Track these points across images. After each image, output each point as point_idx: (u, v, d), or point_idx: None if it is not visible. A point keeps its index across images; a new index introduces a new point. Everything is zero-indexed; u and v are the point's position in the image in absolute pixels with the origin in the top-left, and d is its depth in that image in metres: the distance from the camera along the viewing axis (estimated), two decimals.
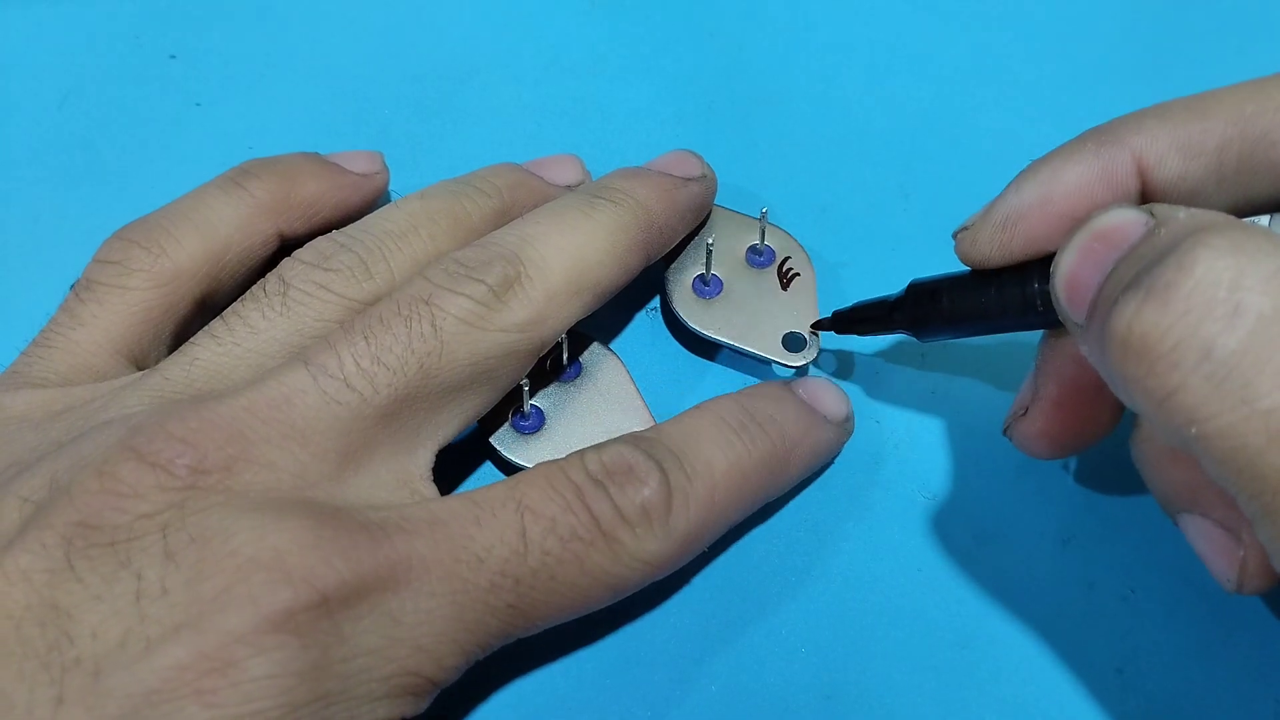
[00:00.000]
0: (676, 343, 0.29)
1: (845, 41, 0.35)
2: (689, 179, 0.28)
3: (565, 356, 0.27)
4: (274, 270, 0.25)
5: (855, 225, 0.31)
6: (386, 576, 0.20)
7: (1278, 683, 0.25)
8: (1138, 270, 0.18)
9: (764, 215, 0.29)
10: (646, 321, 0.30)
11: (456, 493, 0.22)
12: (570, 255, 0.25)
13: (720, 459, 0.24)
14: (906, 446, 0.28)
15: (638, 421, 0.27)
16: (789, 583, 0.26)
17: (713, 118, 0.33)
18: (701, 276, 0.29)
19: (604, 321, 0.28)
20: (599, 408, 0.27)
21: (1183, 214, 0.19)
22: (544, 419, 0.27)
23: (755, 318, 0.28)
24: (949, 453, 0.28)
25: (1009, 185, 0.23)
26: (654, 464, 0.23)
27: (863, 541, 0.27)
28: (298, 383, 0.22)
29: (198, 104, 0.33)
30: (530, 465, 0.25)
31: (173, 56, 0.34)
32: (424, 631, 0.20)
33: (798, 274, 0.29)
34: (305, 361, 0.22)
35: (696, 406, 0.25)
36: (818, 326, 0.28)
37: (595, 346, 0.28)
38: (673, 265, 0.29)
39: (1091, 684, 0.25)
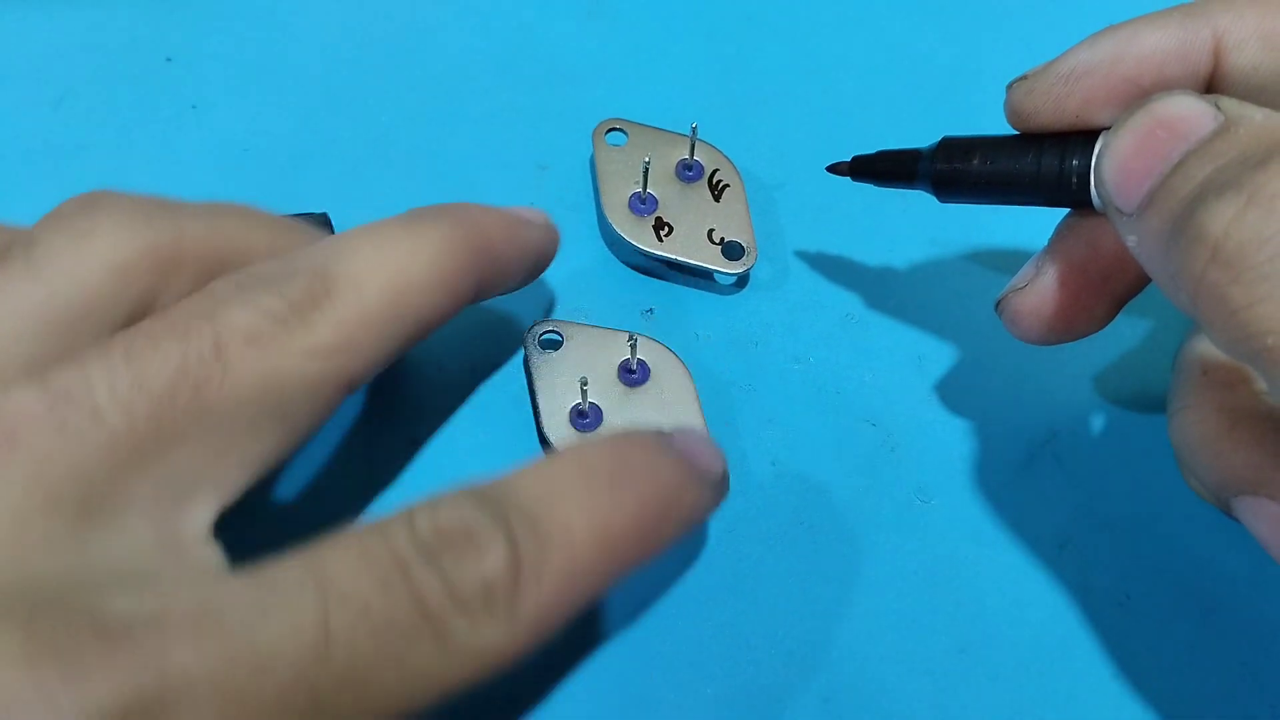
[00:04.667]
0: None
1: (845, 42, 0.35)
2: (533, 223, 0.25)
3: (634, 359, 0.27)
4: None
5: (853, 224, 0.31)
6: (131, 702, 0.15)
7: (1273, 688, 0.25)
8: (1226, 172, 0.17)
9: (694, 130, 0.30)
10: (645, 324, 0.30)
11: (242, 568, 0.17)
12: (389, 273, 0.21)
13: (582, 521, 0.19)
14: (903, 450, 0.28)
15: None
16: (786, 585, 0.26)
17: (712, 117, 0.33)
18: (638, 195, 0.29)
19: (603, 317, 0.28)
20: (658, 418, 0.26)
21: (1260, 115, 0.18)
22: (602, 418, 0.26)
23: (693, 230, 0.29)
24: (946, 456, 0.28)
25: (1081, 42, 0.22)
26: (499, 528, 0.18)
27: (860, 544, 0.26)
28: (27, 408, 0.17)
29: (194, 107, 0.33)
30: None
31: (169, 59, 0.34)
32: None
33: (728, 185, 0.30)
34: (41, 380, 0.17)
35: (561, 452, 0.21)
36: (834, 170, 0.27)
37: (668, 355, 0.27)
38: (605, 188, 0.29)
39: (1087, 688, 0.25)
